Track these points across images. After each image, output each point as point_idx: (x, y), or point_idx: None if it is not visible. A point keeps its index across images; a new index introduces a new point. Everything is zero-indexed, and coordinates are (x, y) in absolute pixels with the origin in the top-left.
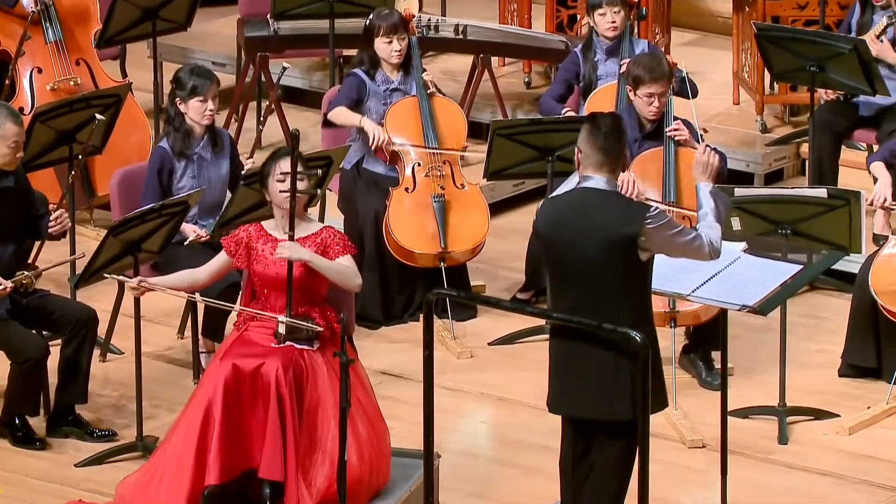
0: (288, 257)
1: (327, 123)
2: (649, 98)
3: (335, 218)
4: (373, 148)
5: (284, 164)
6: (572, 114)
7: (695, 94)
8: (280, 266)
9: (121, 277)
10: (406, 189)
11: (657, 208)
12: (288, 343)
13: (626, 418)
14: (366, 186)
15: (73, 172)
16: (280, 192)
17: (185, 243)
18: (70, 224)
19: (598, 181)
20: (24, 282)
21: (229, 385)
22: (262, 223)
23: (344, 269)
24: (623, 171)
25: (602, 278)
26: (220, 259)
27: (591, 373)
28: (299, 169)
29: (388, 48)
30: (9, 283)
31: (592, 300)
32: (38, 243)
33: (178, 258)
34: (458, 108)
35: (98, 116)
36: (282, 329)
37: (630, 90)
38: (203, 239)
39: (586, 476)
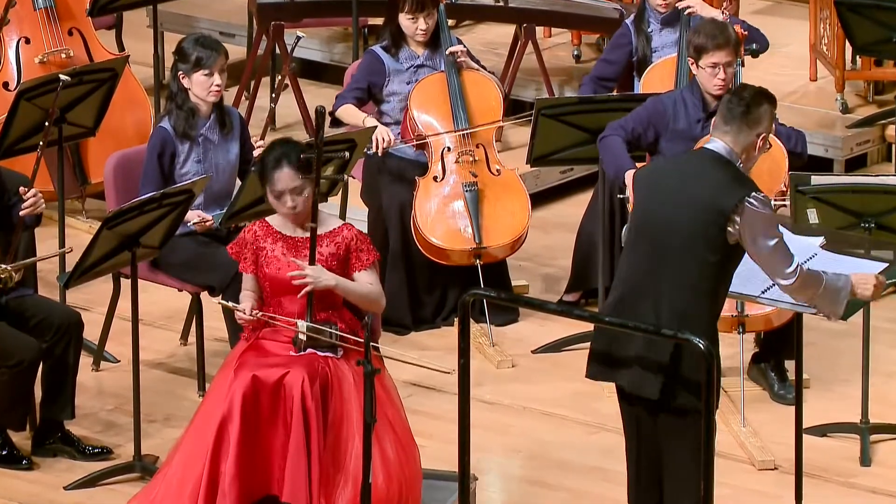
0: (314, 286)
1: (335, 121)
2: (713, 69)
3: (357, 208)
4: (380, 153)
5: (280, 180)
6: None
7: (765, 48)
8: (295, 267)
9: (232, 305)
10: (434, 178)
11: (767, 198)
12: (309, 351)
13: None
14: (390, 174)
15: (41, 144)
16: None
17: (190, 225)
18: (44, 205)
19: (717, 145)
20: (1, 276)
21: (248, 399)
22: (268, 219)
23: (370, 292)
24: (754, 152)
25: (681, 243)
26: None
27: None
28: (303, 177)
29: (412, 26)
30: None
31: (662, 261)
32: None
33: (180, 253)
34: (493, 84)
35: (63, 77)
36: (302, 336)
37: (692, 62)
38: (209, 225)
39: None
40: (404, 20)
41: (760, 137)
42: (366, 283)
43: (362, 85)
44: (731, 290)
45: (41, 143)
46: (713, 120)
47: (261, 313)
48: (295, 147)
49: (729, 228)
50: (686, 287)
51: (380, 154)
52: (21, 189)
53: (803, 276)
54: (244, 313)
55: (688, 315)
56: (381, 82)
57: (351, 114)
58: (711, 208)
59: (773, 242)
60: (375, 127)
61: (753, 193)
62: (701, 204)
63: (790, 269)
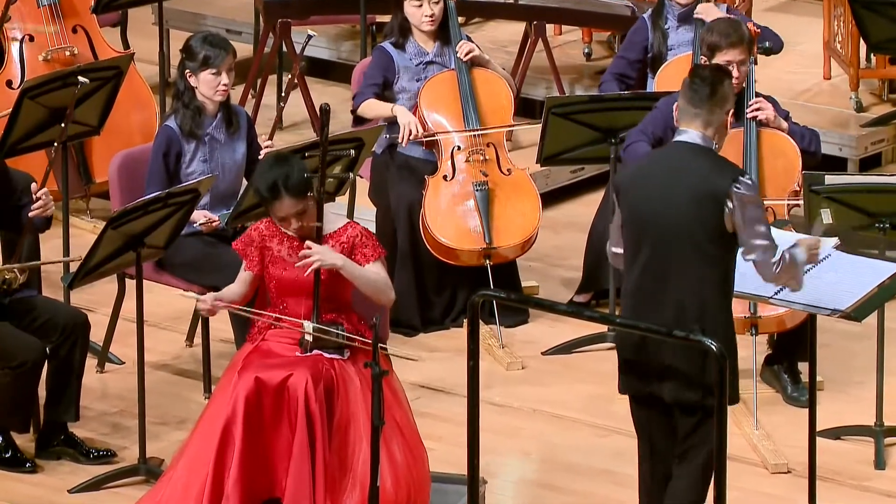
0: (319, 264)
1: (358, 119)
2: (727, 67)
3: (365, 207)
4: (403, 144)
5: (281, 209)
6: None
7: (779, 49)
8: (300, 269)
9: (190, 295)
10: (444, 177)
11: (754, 182)
12: (315, 352)
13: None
14: (399, 173)
15: (56, 146)
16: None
17: (196, 225)
18: (53, 208)
19: (691, 135)
20: (6, 276)
21: (251, 401)
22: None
23: (377, 279)
24: (725, 129)
25: (682, 239)
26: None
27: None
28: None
29: (417, 13)
30: None
31: (667, 262)
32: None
33: (186, 253)
34: (503, 82)
35: (81, 79)
36: (308, 336)
37: (705, 60)
38: (215, 225)
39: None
40: (409, 7)
41: (730, 114)
42: (373, 272)
43: (377, 80)
44: (744, 290)
45: (56, 143)
46: (675, 105)
47: (223, 300)
48: (290, 168)
49: (727, 209)
50: (696, 283)
51: (404, 144)
52: (33, 186)
53: (787, 258)
54: (204, 304)
55: (705, 312)
56: (392, 78)
57: (374, 107)
58: (704, 198)
59: (758, 227)
60: (383, 127)
61: (740, 177)
62: (693, 197)
63: (773, 260)
